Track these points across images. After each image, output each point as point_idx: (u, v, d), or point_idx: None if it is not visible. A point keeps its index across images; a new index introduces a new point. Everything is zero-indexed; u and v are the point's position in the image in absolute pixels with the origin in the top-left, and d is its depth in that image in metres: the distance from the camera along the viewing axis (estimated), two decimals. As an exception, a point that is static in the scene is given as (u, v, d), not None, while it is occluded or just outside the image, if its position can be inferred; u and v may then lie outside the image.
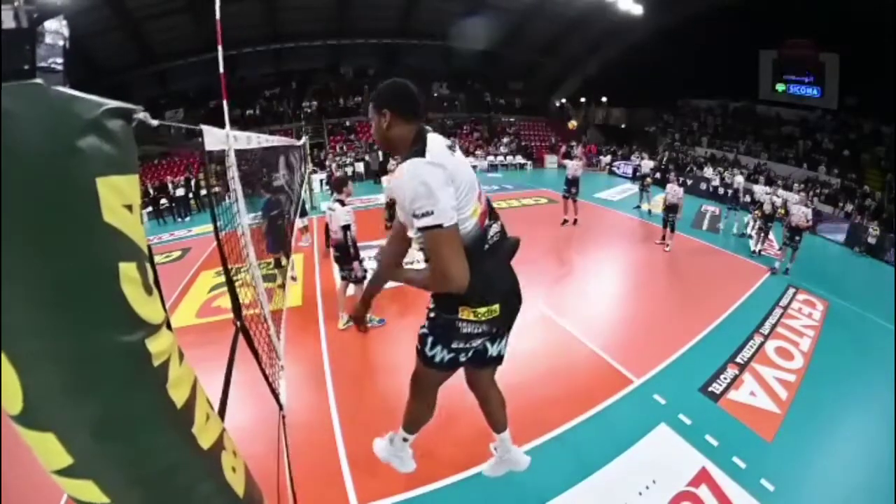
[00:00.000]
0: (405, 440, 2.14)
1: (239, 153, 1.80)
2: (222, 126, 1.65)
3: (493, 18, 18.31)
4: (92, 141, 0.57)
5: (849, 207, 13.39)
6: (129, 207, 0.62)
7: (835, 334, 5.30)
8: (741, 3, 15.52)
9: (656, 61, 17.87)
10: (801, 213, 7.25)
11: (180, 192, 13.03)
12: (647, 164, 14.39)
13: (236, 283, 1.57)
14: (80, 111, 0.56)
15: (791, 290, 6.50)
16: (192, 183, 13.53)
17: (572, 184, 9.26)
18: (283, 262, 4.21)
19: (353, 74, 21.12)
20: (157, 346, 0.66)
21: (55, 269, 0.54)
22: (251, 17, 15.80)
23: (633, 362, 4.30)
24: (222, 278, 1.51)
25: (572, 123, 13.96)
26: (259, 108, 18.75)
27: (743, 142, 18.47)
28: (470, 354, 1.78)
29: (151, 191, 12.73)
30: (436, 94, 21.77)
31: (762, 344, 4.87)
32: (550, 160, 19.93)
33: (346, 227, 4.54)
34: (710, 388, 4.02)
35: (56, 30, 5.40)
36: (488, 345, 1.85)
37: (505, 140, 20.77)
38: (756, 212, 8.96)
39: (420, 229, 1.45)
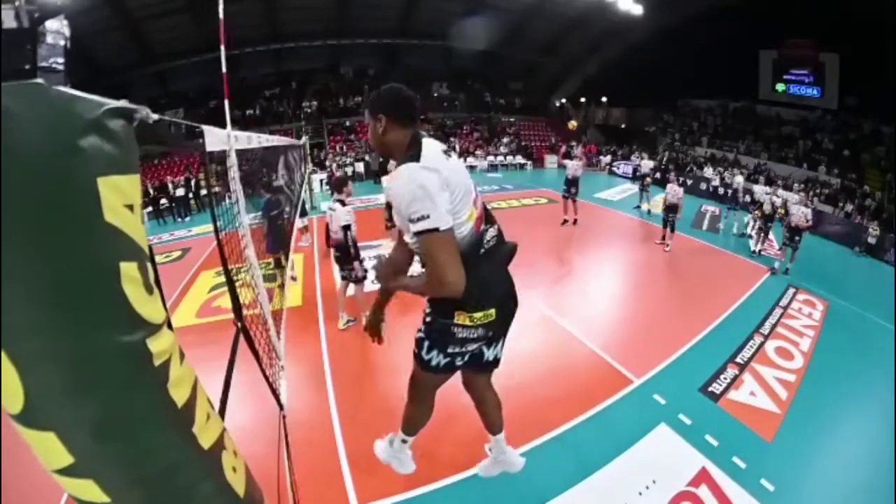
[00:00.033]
0: (404, 442, 2.15)
1: (239, 153, 1.80)
2: (223, 126, 1.65)
3: (493, 18, 18.31)
4: (93, 141, 0.57)
5: (849, 207, 13.40)
6: (131, 207, 0.63)
7: (835, 334, 5.30)
8: (741, 3, 15.53)
9: (656, 61, 17.87)
10: (800, 213, 7.25)
11: (180, 192, 13.03)
12: (647, 164, 14.39)
13: (236, 284, 1.57)
14: (81, 111, 0.57)
15: (791, 290, 6.50)
16: (192, 183, 13.53)
17: (572, 184, 9.26)
18: (283, 262, 4.21)
19: (353, 74, 21.12)
20: (158, 345, 0.66)
21: (56, 269, 0.54)
22: (251, 17, 15.81)
23: (633, 362, 4.30)
24: (222, 278, 1.51)
25: (572, 123, 13.98)
26: (259, 108, 18.77)
27: (743, 142, 18.46)
28: (466, 358, 1.78)
29: (151, 191, 12.72)
30: (436, 94, 21.78)
31: (762, 344, 4.87)
32: (550, 160, 19.94)
33: (346, 227, 4.54)
34: (710, 388, 4.02)
35: (57, 29, 5.41)
36: (485, 349, 1.85)
37: (505, 140, 20.77)
38: (756, 212, 8.97)
39: (416, 234, 1.45)
